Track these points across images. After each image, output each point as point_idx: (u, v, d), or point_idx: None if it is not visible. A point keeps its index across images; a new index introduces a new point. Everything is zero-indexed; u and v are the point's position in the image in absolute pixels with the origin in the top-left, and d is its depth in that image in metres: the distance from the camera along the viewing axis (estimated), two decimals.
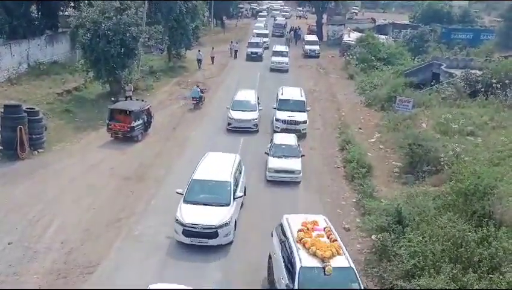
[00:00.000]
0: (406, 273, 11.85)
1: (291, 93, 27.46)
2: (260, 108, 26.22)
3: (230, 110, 25.46)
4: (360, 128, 26.37)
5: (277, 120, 24.97)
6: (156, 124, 25.08)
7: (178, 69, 39.69)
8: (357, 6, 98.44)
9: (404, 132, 22.67)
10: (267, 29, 62.29)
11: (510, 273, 10.61)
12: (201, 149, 19.83)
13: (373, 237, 14.58)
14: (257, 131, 25.17)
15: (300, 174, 19.37)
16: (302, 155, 20.33)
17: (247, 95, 27.29)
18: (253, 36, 53.49)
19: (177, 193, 15.02)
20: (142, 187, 18.54)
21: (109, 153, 21.72)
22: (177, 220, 14.15)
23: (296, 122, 24.66)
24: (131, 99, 27.16)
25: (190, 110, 28.93)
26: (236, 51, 47.59)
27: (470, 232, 11.85)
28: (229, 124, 25.20)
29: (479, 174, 13.56)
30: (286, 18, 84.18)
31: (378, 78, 35.27)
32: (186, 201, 14.68)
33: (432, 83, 31.20)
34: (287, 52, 44.33)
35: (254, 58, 45.48)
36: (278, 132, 23.39)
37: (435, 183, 17.06)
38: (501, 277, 10.61)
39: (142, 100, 25.86)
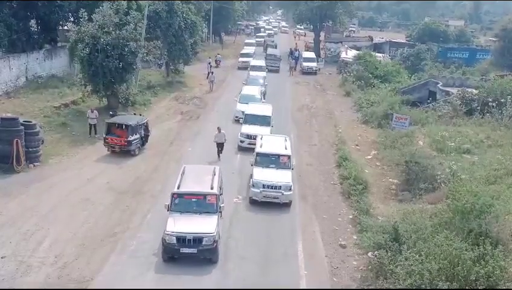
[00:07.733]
0: None
1: None
2: None
3: None
4: (357, 145, 26.43)
5: None
6: (153, 138, 25.03)
7: (176, 84, 39.80)
8: (354, 25, 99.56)
9: (401, 149, 22.73)
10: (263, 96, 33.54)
11: None
12: (198, 163, 19.79)
13: (369, 254, 14.52)
14: None
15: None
16: None
17: None
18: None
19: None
20: (138, 202, 18.44)
21: (106, 167, 21.66)
22: None
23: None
24: (95, 128, 25.12)
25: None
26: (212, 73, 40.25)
27: (466, 250, 11.81)
28: None
29: (476, 192, 13.57)
30: (275, 46, 62.45)
31: (375, 95, 35.47)
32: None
33: (429, 101, 31.47)
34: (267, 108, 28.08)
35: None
36: None
37: (432, 201, 17.05)
38: None
39: (140, 114, 25.85)
